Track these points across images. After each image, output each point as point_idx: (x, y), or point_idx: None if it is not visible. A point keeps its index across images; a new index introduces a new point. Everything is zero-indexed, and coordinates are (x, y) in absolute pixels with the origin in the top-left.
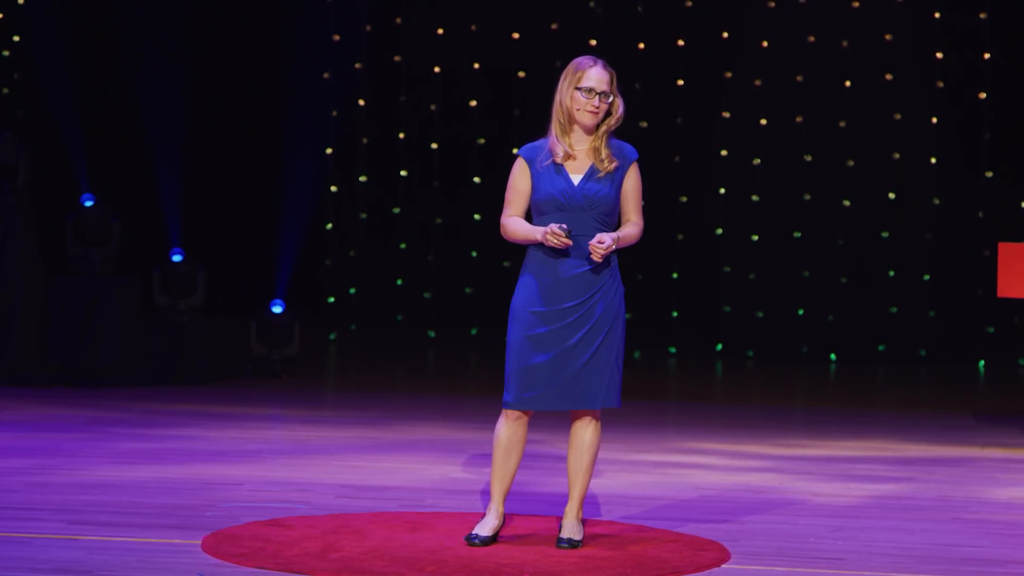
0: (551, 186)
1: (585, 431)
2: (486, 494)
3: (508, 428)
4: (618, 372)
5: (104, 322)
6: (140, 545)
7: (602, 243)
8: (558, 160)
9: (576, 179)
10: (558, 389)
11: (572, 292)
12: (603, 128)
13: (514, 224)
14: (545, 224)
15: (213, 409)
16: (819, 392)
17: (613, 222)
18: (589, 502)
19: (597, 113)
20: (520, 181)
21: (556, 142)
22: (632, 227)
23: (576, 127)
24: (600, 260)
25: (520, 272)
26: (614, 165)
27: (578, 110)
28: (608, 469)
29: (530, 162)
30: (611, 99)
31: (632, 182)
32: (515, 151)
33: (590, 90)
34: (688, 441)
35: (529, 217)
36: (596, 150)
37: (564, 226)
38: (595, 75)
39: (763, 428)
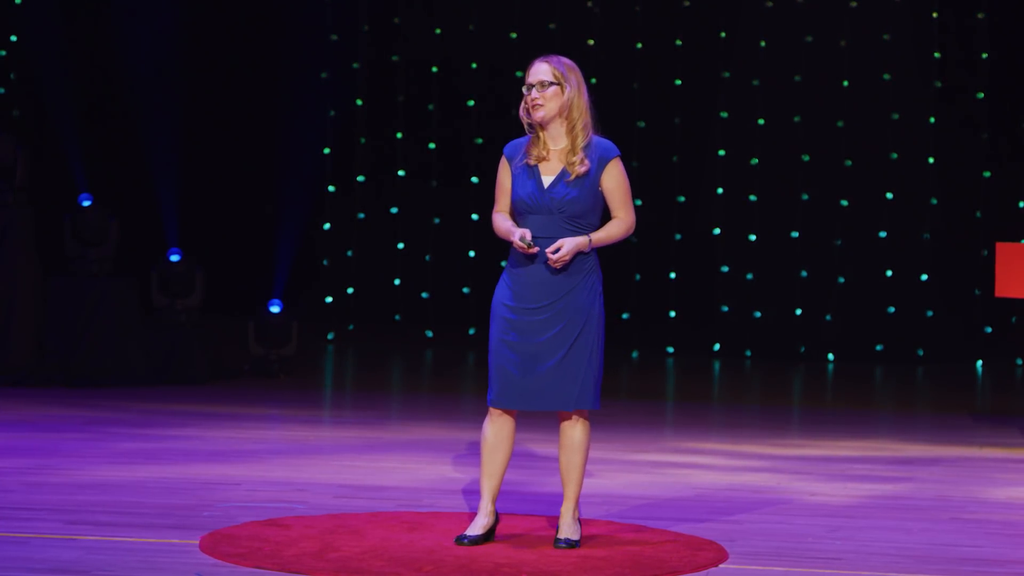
0: (521, 188)
1: (573, 430)
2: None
3: (493, 426)
4: (593, 372)
5: (102, 322)
6: (138, 545)
7: (556, 251)
8: (531, 162)
9: (547, 181)
10: (531, 388)
11: (546, 291)
12: (576, 123)
13: (497, 221)
14: (522, 225)
15: (211, 409)
16: (817, 392)
17: (588, 223)
18: (587, 502)
19: (539, 105)
20: (503, 178)
21: (531, 143)
22: (616, 224)
23: (549, 127)
24: (558, 267)
25: (503, 269)
26: (584, 168)
27: (526, 110)
28: (606, 469)
29: (510, 160)
30: (553, 87)
31: (613, 180)
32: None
33: (528, 85)
34: (686, 441)
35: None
36: (570, 150)
37: (527, 236)
38: (531, 70)
39: (761, 428)
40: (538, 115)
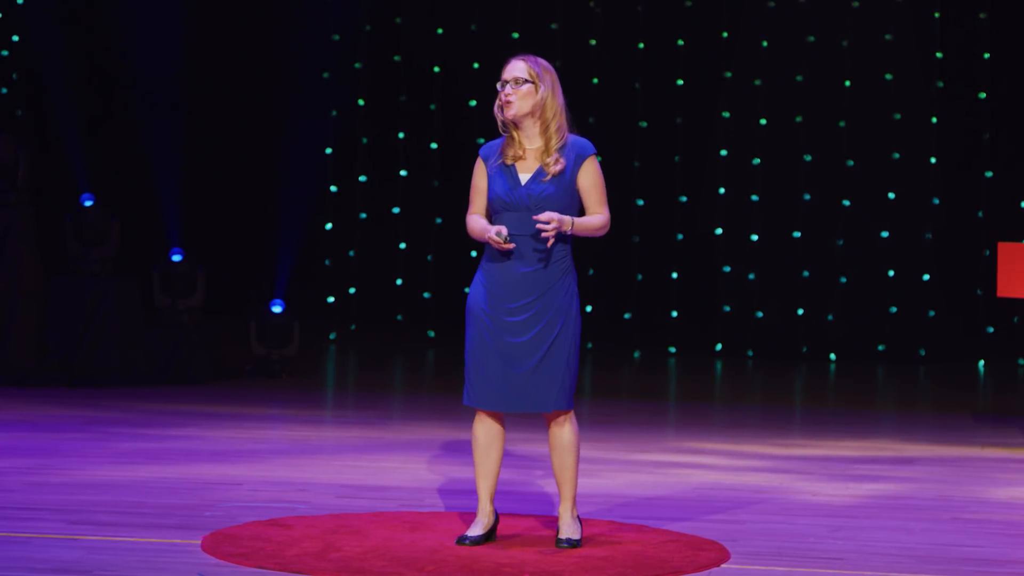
0: (499, 186)
1: (562, 431)
2: None
3: (482, 426)
4: (571, 374)
5: (103, 322)
6: (140, 545)
7: (549, 222)
8: (507, 161)
9: (524, 179)
10: (511, 390)
11: (523, 291)
12: (550, 122)
13: (471, 222)
14: (500, 223)
15: (212, 409)
16: (819, 392)
17: None
18: (589, 502)
19: (510, 101)
20: (478, 179)
21: (507, 143)
22: (596, 216)
23: (522, 126)
24: (550, 237)
25: (476, 270)
26: (559, 167)
27: (499, 105)
28: (608, 469)
29: (485, 160)
30: (527, 85)
31: (588, 177)
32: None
33: (502, 81)
34: (688, 441)
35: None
36: (545, 150)
37: (503, 231)
38: (507, 67)
39: (763, 428)
40: (510, 112)
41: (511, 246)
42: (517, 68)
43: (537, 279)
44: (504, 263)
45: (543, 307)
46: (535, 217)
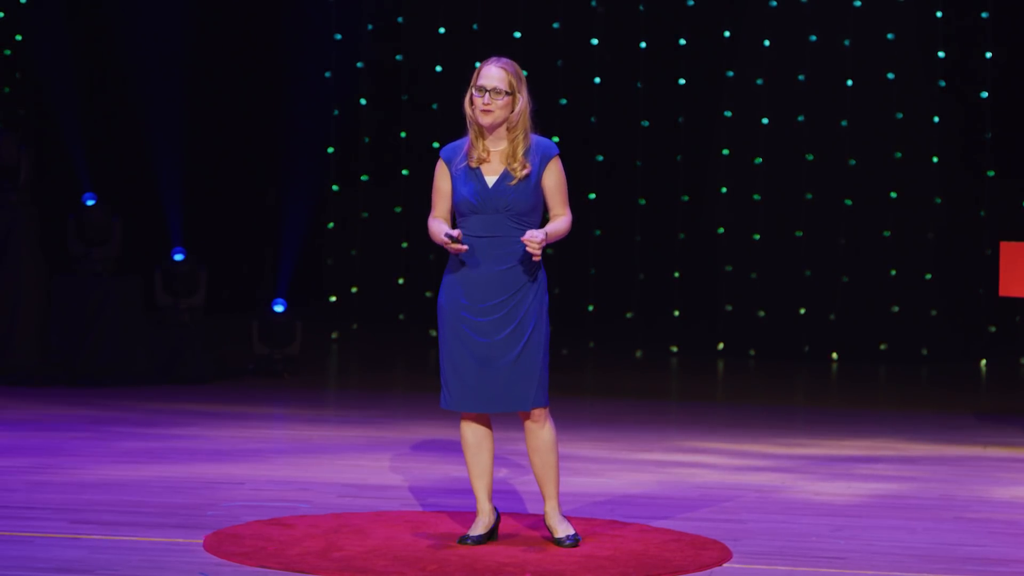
0: (465, 188)
1: (542, 431)
2: None
3: (470, 428)
4: (545, 370)
5: (106, 321)
6: (142, 544)
7: (535, 239)
8: (472, 164)
9: (491, 181)
10: (487, 390)
11: (494, 290)
12: (518, 131)
13: (432, 227)
14: (466, 226)
15: (215, 408)
16: (821, 391)
17: (532, 221)
18: (591, 501)
19: (489, 111)
20: (441, 182)
21: (471, 144)
22: (560, 221)
23: (492, 132)
24: (538, 255)
25: (444, 270)
26: (526, 172)
27: (474, 110)
28: (610, 468)
29: (448, 163)
30: (506, 97)
31: (553, 178)
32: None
33: (481, 87)
34: (690, 440)
35: (454, 218)
36: (511, 154)
37: (453, 234)
38: (487, 72)
39: (765, 427)
40: (486, 120)
41: (464, 248)
42: (496, 77)
43: (507, 279)
44: (477, 262)
45: (515, 306)
46: (523, 239)
